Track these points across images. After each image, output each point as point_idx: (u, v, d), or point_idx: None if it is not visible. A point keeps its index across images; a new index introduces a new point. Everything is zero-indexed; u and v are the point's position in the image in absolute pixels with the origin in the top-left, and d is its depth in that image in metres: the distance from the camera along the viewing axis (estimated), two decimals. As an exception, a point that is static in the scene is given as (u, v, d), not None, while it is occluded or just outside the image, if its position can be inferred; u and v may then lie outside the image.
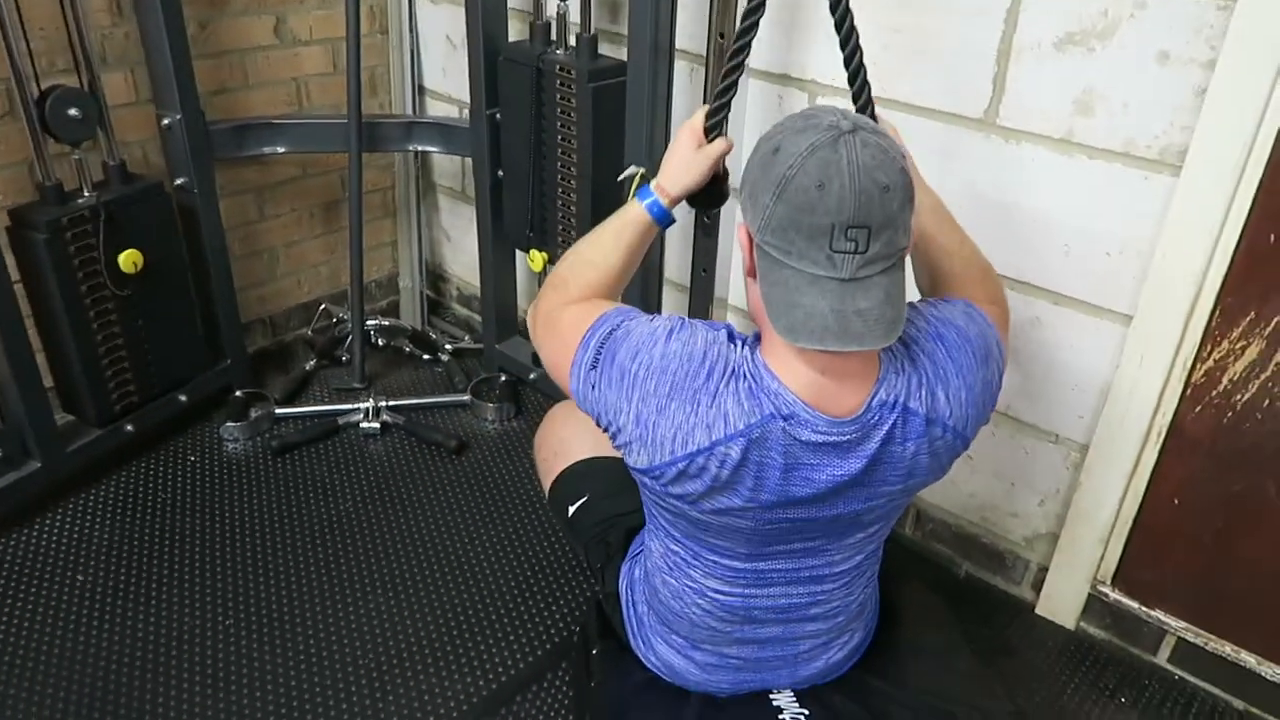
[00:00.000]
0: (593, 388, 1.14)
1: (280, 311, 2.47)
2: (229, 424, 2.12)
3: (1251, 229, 1.35)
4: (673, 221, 1.32)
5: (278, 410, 2.19)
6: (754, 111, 1.76)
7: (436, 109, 2.42)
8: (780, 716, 1.37)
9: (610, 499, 1.59)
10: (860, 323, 0.97)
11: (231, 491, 1.98)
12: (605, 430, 1.17)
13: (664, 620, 1.37)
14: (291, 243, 2.42)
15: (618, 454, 1.62)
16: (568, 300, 1.25)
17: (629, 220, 1.30)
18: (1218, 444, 1.49)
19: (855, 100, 1.30)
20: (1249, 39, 1.25)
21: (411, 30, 2.35)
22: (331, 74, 2.31)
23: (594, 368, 1.14)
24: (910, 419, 1.10)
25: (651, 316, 1.17)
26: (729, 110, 1.30)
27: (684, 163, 1.29)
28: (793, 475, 1.09)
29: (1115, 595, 1.67)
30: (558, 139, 1.92)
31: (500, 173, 2.10)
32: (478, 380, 2.32)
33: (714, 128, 1.29)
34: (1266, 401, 1.42)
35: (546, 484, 1.71)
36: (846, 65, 1.29)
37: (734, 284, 1.94)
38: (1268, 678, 1.55)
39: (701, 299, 1.86)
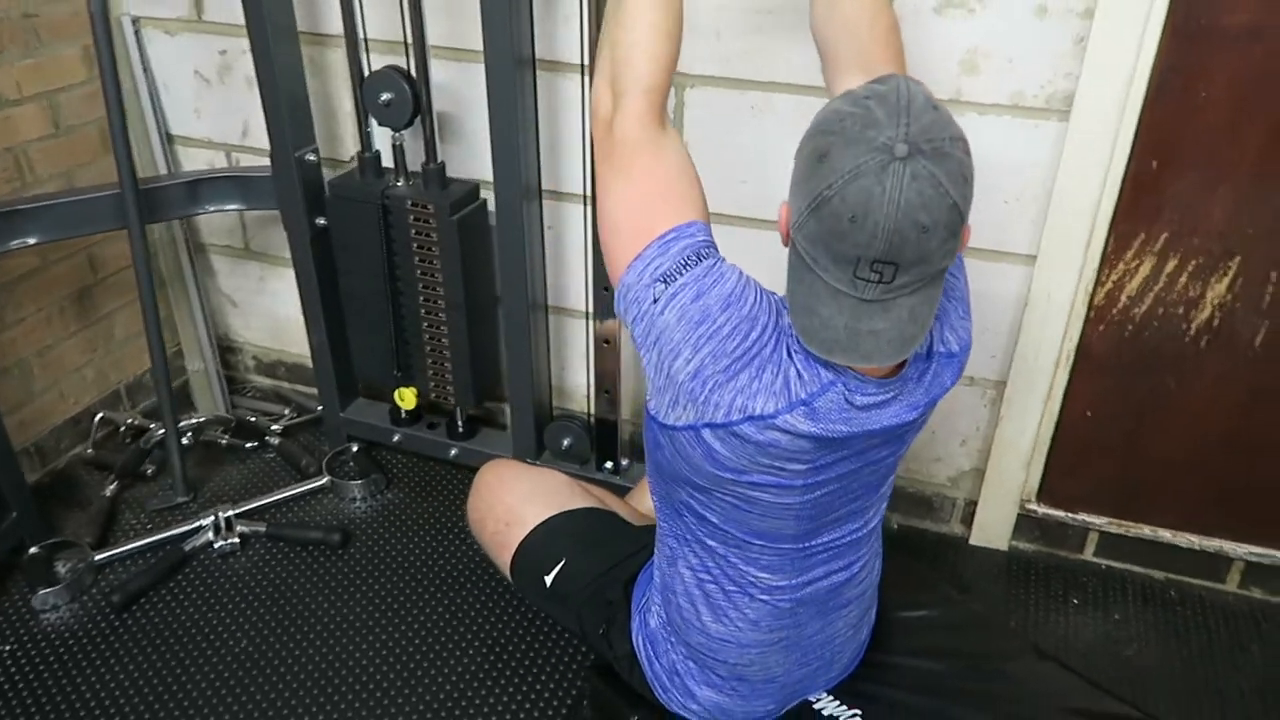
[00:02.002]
0: (654, 301, 1.03)
1: (46, 433, 1.99)
2: (41, 591, 1.68)
3: (1136, 160, 1.48)
4: None
5: (96, 557, 1.77)
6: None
7: (194, 158, 2.05)
8: (836, 723, 1.35)
9: (593, 555, 1.46)
10: (871, 342, 0.96)
11: (73, 676, 1.58)
12: (642, 354, 1.07)
13: (703, 658, 1.28)
14: (44, 348, 1.95)
15: (575, 504, 1.52)
16: (648, 104, 1.09)
17: None
18: (1121, 356, 1.64)
19: None
20: (1122, -13, 1.36)
21: (145, 70, 1.96)
22: (55, 135, 1.87)
23: (666, 282, 1.03)
24: (945, 361, 1.11)
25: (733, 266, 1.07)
26: None
27: None
28: (856, 433, 1.05)
29: (1042, 509, 1.81)
30: (417, 273, 1.80)
31: (320, 220, 1.83)
32: (328, 457, 2.03)
33: None
34: (1161, 310, 1.59)
35: (504, 558, 1.53)
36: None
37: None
38: (1182, 546, 1.76)
39: (609, 322, 1.74)
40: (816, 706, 1.38)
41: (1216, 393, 1.62)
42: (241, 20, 1.80)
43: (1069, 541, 1.84)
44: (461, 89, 1.74)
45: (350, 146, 1.91)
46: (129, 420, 2.08)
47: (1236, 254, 1.51)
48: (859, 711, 1.36)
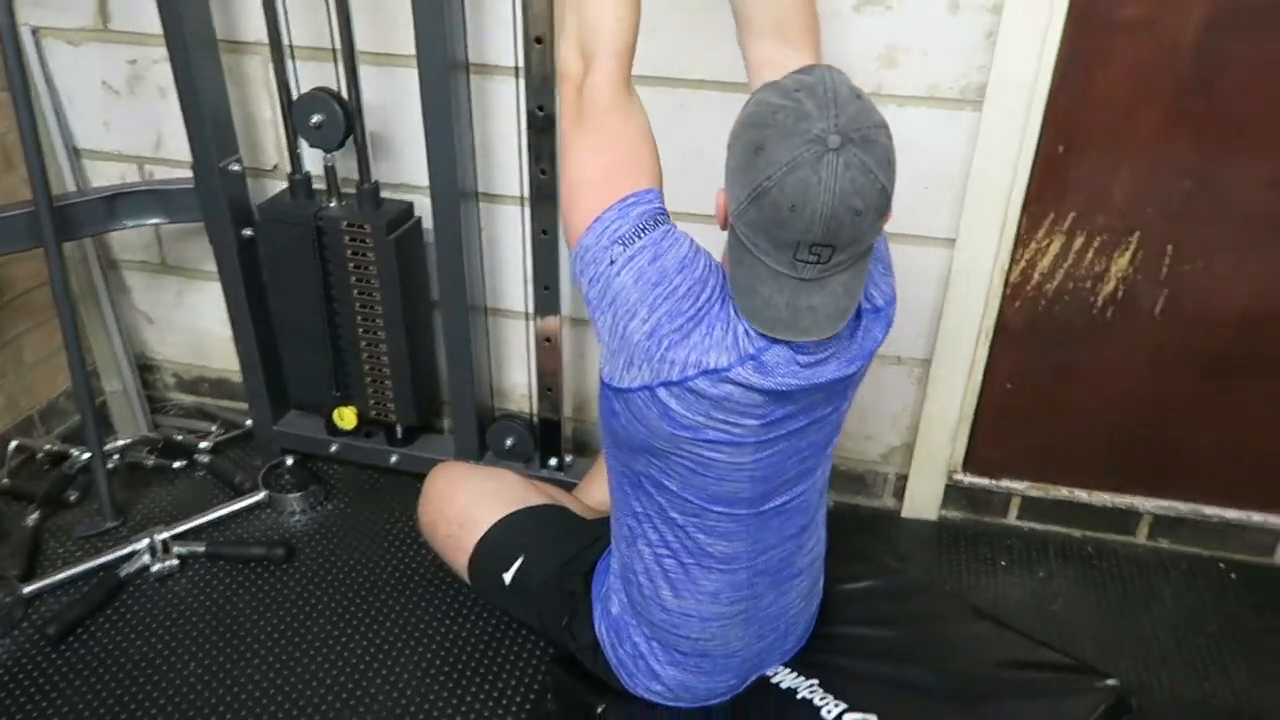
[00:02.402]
0: (611, 263, 1.07)
1: (-46, 466, 1.90)
2: (-31, 630, 1.61)
3: (1045, 144, 1.58)
4: None
5: (25, 589, 1.69)
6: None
7: (104, 172, 1.98)
8: (797, 696, 1.40)
9: (551, 548, 1.49)
10: (810, 318, 1.03)
11: (13, 715, 1.51)
12: (595, 318, 1.11)
13: (666, 636, 1.32)
14: (-52, 376, 1.87)
15: (528, 501, 1.53)
16: (612, 67, 1.11)
17: None
18: (1036, 329, 1.75)
19: None
20: (1026, -17, 1.45)
21: (48, 82, 1.88)
22: (-55, 153, 1.79)
23: (624, 244, 1.07)
24: (873, 317, 1.17)
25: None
26: None
27: None
28: (803, 386, 1.10)
29: (968, 479, 1.91)
30: (354, 293, 1.80)
31: (247, 231, 1.80)
32: (263, 472, 1.98)
33: None
34: (1071, 284, 1.69)
35: (460, 560, 1.53)
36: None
37: (577, 299, 1.85)
38: (1096, 504, 1.88)
39: (549, 320, 1.76)
40: (774, 680, 1.43)
41: (1123, 359, 1.74)
42: (151, 29, 1.77)
43: (994, 507, 1.95)
44: (392, 96, 1.73)
45: (273, 155, 1.88)
46: (46, 446, 1.99)
47: (1136, 230, 1.62)
48: (816, 680, 1.42)
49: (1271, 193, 1.55)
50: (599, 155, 1.11)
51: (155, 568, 1.76)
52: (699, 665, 1.34)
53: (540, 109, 1.55)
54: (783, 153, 0.95)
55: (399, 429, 1.97)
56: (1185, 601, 1.78)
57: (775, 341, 1.06)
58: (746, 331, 1.07)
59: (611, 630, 1.38)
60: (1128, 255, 1.65)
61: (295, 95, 1.67)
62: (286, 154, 1.76)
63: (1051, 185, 1.61)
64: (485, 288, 1.85)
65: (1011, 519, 1.95)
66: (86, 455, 1.91)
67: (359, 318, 1.81)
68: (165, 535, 1.80)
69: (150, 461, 2.02)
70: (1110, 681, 1.36)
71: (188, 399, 2.27)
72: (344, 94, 1.65)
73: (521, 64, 1.55)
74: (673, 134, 1.64)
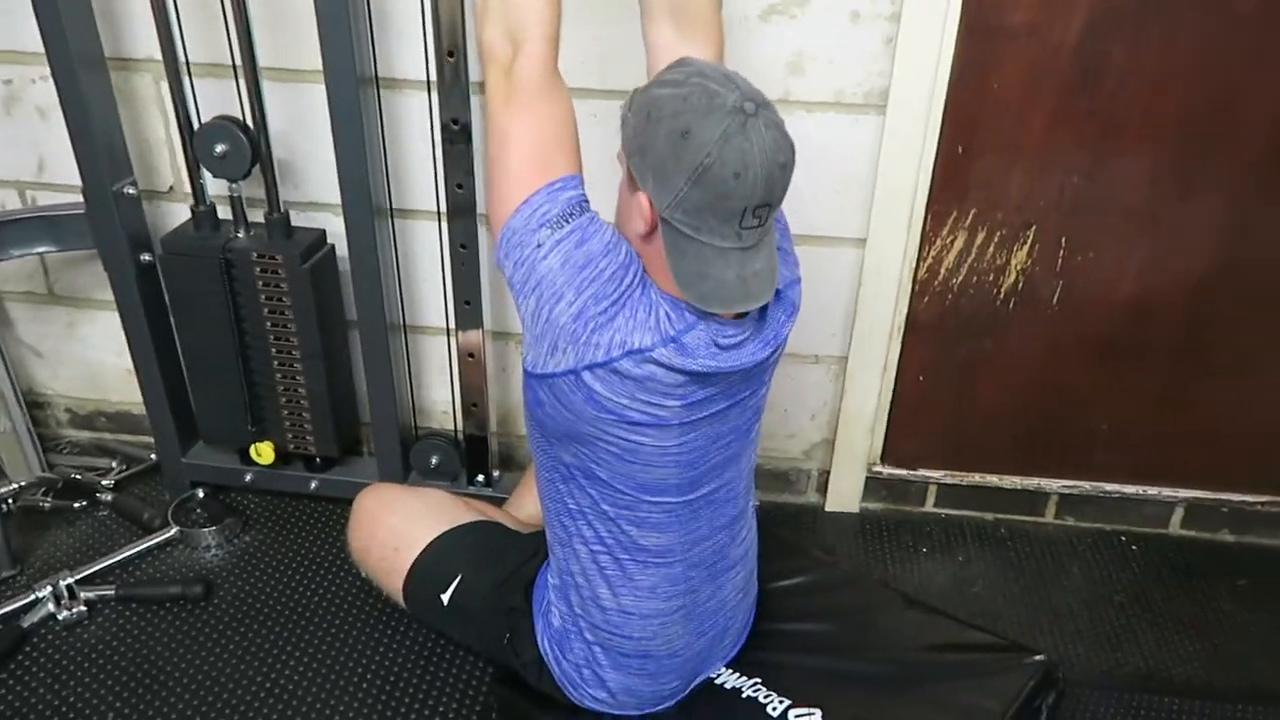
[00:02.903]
0: (539, 246, 1.09)
1: None
2: None
3: (945, 145, 1.65)
4: None
5: (-84, 649, 1.58)
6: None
7: (-24, 199, 1.87)
8: (742, 695, 1.43)
9: (488, 566, 1.48)
10: (758, 283, 1.10)
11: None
12: (519, 302, 1.12)
13: (608, 639, 1.33)
14: None
15: (461, 519, 1.51)
16: (539, 47, 1.11)
17: None
18: (945, 323, 1.81)
19: None
20: (922, -8, 1.52)
21: (-90, 102, 1.76)
22: None
23: (552, 228, 1.09)
24: (782, 298, 1.23)
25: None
26: None
27: None
28: (724, 369, 1.15)
29: (887, 470, 1.97)
30: (267, 325, 1.74)
31: (146, 256, 1.72)
32: (173, 507, 1.90)
33: None
34: (975, 278, 1.77)
35: (394, 583, 1.51)
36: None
37: (499, 313, 1.84)
38: (1006, 487, 1.97)
39: (471, 335, 1.74)
40: (718, 681, 1.46)
41: (1024, 348, 1.83)
42: (28, 47, 1.69)
43: (912, 497, 2.01)
44: (298, 114, 1.69)
45: (168, 176, 1.80)
46: (-71, 495, 1.86)
47: (1033, 224, 1.71)
48: (758, 679, 1.45)
49: (1152, 185, 1.65)
50: (528, 138, 1.12)
51: (61, 615, 1.66)
52: (643, 667, 1.35)
53: (455, 122, 1.53)
54: (711, 128, 1.01)
55: (317, 455, 1.92)
56: (1093, 575, 1.88)
57: (696, 323, 1.10)
58: (668, 314, 1.10)
59: (554, 643, 1.38)
60: (1025, 249, 1.73)
61: (195, 118, 1.62)
62: (185, 176, 1.70)
63: (953, 184, 1.68)
64: (403, 305, 1.81)
65: (929, 507, 2.02)
66: (-22, 501, 1.80)
67: (273, 350, 1.76)
68: (70, 580, 1.70)
69: (47, 504, 1.91)
70: (1038, 657, 1.43)
71: (83, 435, 2.15)
72: (247, 119, 1.60)
73: (434, 77, 1.53)
74: (586, 145, 1.67)
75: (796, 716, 1.38)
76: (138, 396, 2.04)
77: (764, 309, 1.19)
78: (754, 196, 1.02)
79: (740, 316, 1.16)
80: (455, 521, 1.51)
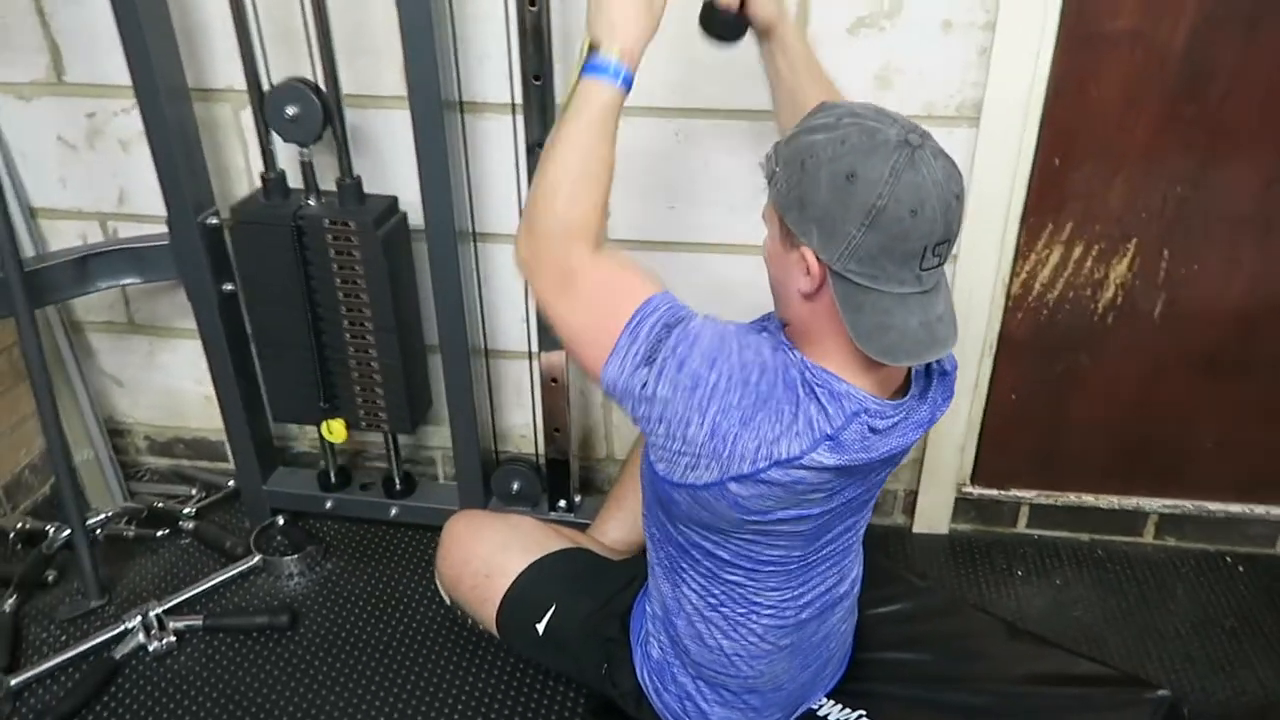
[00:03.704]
0: (644, 386, 1.02)
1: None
2: (-46, 734, 1.50)
3: (1041, 158, 1.59)
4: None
5: (11, 681, 1.58)
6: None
7: (61, 231, 1.88)
8: (845, 727, 1.38)
9: (583, 595, 1.45)
10: (943, 328, 1.02)
11: (18, 816, 1.42)
12: (646, 429, 1.06)
13: (714, 676, 1.30)
14: (-91, 457, 1.75)
15: (553, 546, 1.49)
16: (579, 239, 1.06)
17: (605, 106, 1.08)
18: (1039, 339, 1.75)
19: None
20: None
21: None
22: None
23: (649, 364, 1.02)
24: (944, 379, 1.17)
25: (700, 315, 1.06)
26: None
27: (643, 9, 1.09)
28: (872, 460, 1.09)
29: (977, 490, 1.91)
30: (339, 296, 1.68)
31: (228, 286, 1.72)
32: (255, 534, 1.90)
33: None
34: (1071, 293, 1.71)
35: (487, 611, 1.48)
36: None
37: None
38: (1103, 507, 1.90)
39: (554, 359, 1.72)
40: (821, 713, 1.41)
41: (1124, 363, 1.76)
42: (109, 80, 1.70)
43: (1003, 517, 1.95)
44: (375, 124, 1.69)
45: (249, 204, 1.80)
46: (18, 525, 1.87)
47: (1133, 236, 1.64)
48: (864, 711, 1.40)
49: (1261, 193, 1.58)
50: (581, 303, 1.07)
51: (152, 646, 1.66)
52: (747, 702, 1.32)
53: (540, 145, 1.50)
54: (878, 167, 0.94)
55: (397, 479, 1.91)
56: (1199, 598, 1.80)
57: (855, 416, 1.03)
58: (824, 408, 1.02)
59: (654, 674, 1.35)
60: (1125, 262, 1.67)
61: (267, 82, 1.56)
62: (259, 151, 1.65)
63: (1049, 197, 1.63)
64: (484, 329, 1.79)
65: (1021, 527, 1.96)
66: (66, 531, 1.80)
67: (345, 322, 1.70)
68: (159, 610, 1.70)
69: (131, 532, 1.92)
70: (1161, 693, 1.36)
71: (162, 462, 2.17)
72: (320, 84, 1.54)
73: (518, 100, 1.51)
74: (667, 163, 1.65)
75: (905, 752, 1.33)
76: (215, 423, 2.05)
77: (924, 388, 1.13)
78: (934, 233, 0.95)
79: (899, 396, 1.10)
80: (547, 549, 1.48)
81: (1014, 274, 1.70)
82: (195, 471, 2.14)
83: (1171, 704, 1.35)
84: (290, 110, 1.54)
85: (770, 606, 1.23)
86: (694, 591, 1.24)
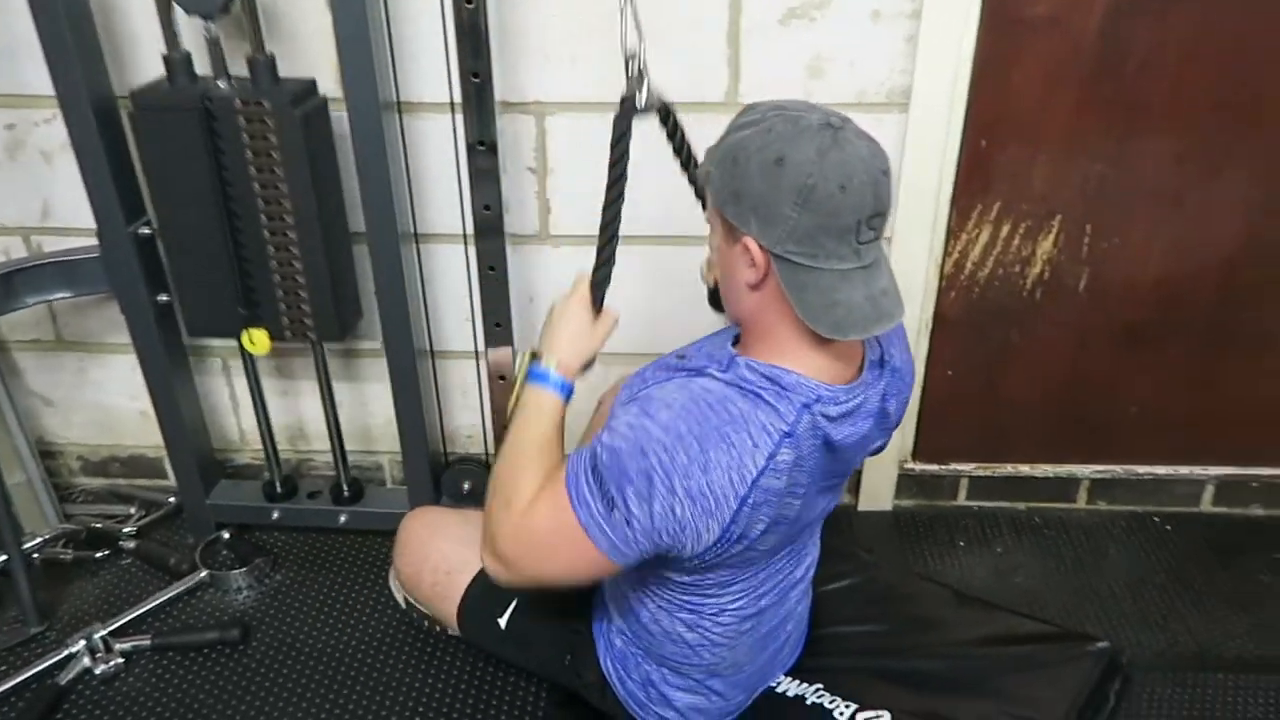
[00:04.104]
0: (628, 523, 1.04)
1: None
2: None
3: (968, 141, 1.65)
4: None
5: (-50, 715, 1.53)
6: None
7: (-18, 247, 1.82)
8: (807, 702, 1.41)
9: (544, 589, 1.45)
10: (887, 301, 1.05)
11: None
12: (663, 550, 1.07)
13: (678, 665, 1.31)
14: None
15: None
16: (524, 506, 1.11)
17: (547, 413, 1.19)
18: (972, 316, 1.82)
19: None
20: (942, -12, 1.52)
21: (-90, 152, 1.71)
22: None
23: (613, 508, 1.03)
24: (894, 373, 1.20)
25: (612, 420, 1.08)
26: (610, 280, 1.24)
27: (582, 337, 1.23)
28: (832, 450, 1.11)
29: (919, 466, 1.97)
30: (256, 188, 1.55)
31: (163, 296, 1.68)
32: (200, 550, 1.85)
33: (599, 299, 1.24)
34: (1001, 271, 1.77)
35: (447, 608, 1.49)
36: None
37: (527, 333, 1.80)
38: (1039, 476, 1.97)
39: (502, 355, 1.71)
40: (780, 690, 1.44)
41: (1052, 336, 1.83)
42: (30, 90, 1.65)
43: (944, 491, 2.01)
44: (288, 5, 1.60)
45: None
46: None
47: (1057, 213, 1.71)
48: (820, 684, 1.44)
49: (1174, 169, 1.66)
50: (550, 534, 1.09)
51: (98, 669, 1.61)
52: (710, 687, 1.34)
53: (481, 143, 1.51)
54: (804, 149, 0.98)
55: (345, 485, 1.88)
56: (1131, 557, 1.89)
57: (805, 408, 1.05)
58: (773, 407, 1.04)
59: (618, 663, 1.36)
60: (1051, 238, 1.73)
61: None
62: (160, 28, 1.52)
63: (977, 178, 1.69)
64: (430, 330, 1.79)
65: (961, 500, 2.02)
66: (2, 558, 1.74)
67: (264, 217, 1.57)
68: (103, 632, 1.66)
69: (68, 555, 1.86)
70: (1101, 644, 1.43)
71: (97, 482, 2.10)
72: None
73: (458, 99, 1.51)
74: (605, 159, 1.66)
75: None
76: (152, 439, 2.00)
77: (877, 377, 1.15)
78: (864, 207, 0.98)
79: (856, 376, 1.12)
80: (501, 544, 1.49)
81: (946, 254, 1.76)
82: (132, 490, 2.08)
83: (1111, 655, 1.41)
84: None
85: (731, 601, 1.24)
86: (657, 596, 1.25)
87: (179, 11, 1.46)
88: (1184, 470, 1.95)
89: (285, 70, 1.56)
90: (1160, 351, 1.84)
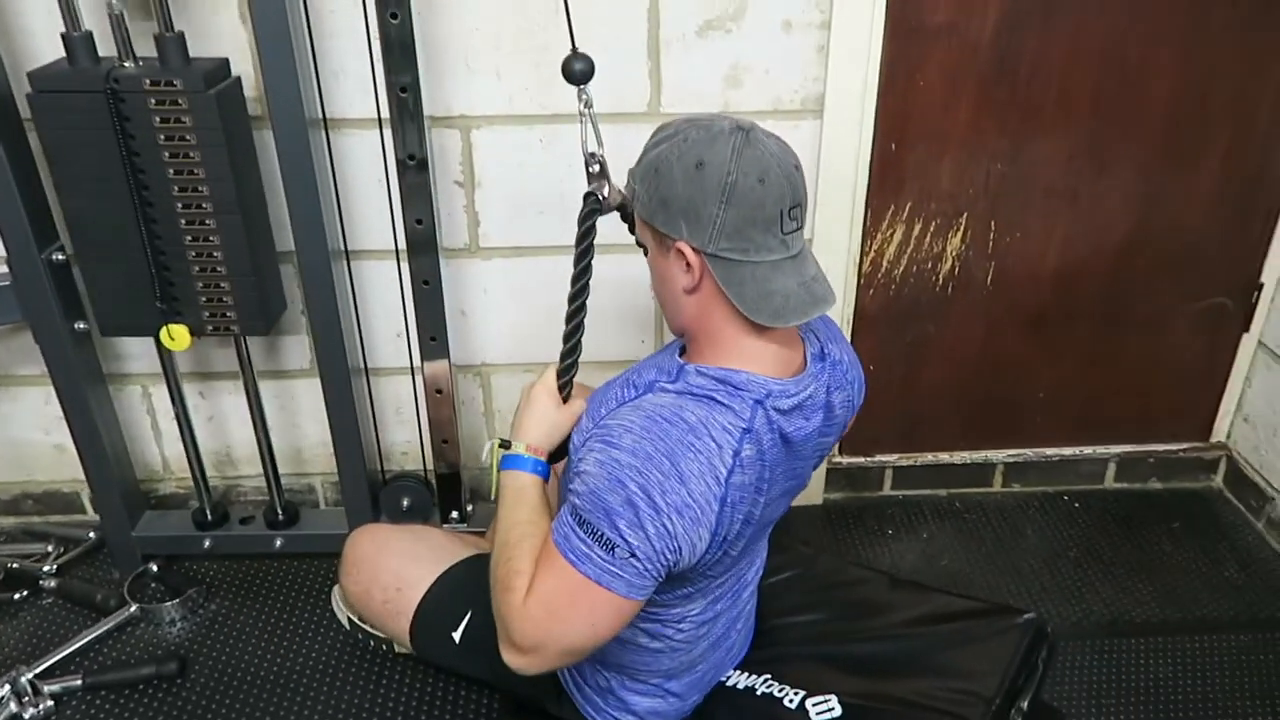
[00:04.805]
0: (633, 556, 1.04)
1: None
2: None
3: (879, 144, 1.73)
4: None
5: None
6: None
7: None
8: (756, 693, 1.45)
9: (497, 599, 1.45)
10: (819, 286, 1.11)
11: None
12: (675, 569, 1.09)
13: (636, 672, 1.34)
14: None
15: (460, 554, 1.50)
16: (527, 584, 1.10)
17: (527, 491, 1.19)
18: (889, 312, 1.90)
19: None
20: None
21: None
22: None
23: (612, 549, 1.04)
24: (835, 366, 1.24)
25: (577, 466, 1.11)
26: (577, 369, 1.26)
27: (548, 421, 1.23)
28: (789, 444, 1.16)
29: (846, 459, 2.05)
30: (169, 174, 1.48)
31: (80, 324, 1.63)
32: (128, 583, 1.80)
33: (565, 385, 1.25)
34: (915, 267, 1.86)
35: (400, 625, 1.48)
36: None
37: (461, 347, 1.81)
38: (957, 463, 2.07)
39: (438, 370, 1.71)
40: (730, 684, 1.47)
41: (964, 328, 1.93)
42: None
43: (870, 482, 2.09)
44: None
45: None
46: None
47: (964, 211, 1.81)
48: (768, 674, 1.48)
49: (1066, 165, 1.78)
50: (563, 602, 1.08)
51: (27, 714, 1.55)
52: (667, 690, 1.36)
53: (411, 158, 1.52)
54: (720, 150, 1.03)
55: (279, 509, 1.85)
56: (1045, 535, 2.00)
57: (757, 404, 1.09)
58: (726, 406, 1.07)
59: (575, 671, 1.38)
60: (959, 235, 1.83)
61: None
62: (58, 4, 1.43)
63: (889, 179, 1.77)
64: (363, 349, 1.78)
65: (888, 490, 2.10)
66: (-89, 606, 1.66)
67: (179, 205, 1.50)
68: (29, 675, 1.59)
69: (-20, 599, 1.79)
70: (1028, 616, 1.50)
71: (9, 521, 2.01)
72: None
73: (385, 115, 1.51)
74: (533, 170, 1.69)
75: (813, 705, 1.40)
76: (67, 474, 1.94)
77: (819, 370, 1.18)
78: (784, 197, 1.04)
79: (801, 369, 1.16)
80: (456, 557, 1.49)
81: (864, 253, 1.84)
82: (48, 527, 2.00)
83: (1037, 626, 1.49)
84: None
85: (694, 610, 1.27)
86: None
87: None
88: (1087, 450, 2.08)
89: (195, 51, 1.50)
90: (1061, 337, 1.95)
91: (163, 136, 1.46)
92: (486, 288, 1.79)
